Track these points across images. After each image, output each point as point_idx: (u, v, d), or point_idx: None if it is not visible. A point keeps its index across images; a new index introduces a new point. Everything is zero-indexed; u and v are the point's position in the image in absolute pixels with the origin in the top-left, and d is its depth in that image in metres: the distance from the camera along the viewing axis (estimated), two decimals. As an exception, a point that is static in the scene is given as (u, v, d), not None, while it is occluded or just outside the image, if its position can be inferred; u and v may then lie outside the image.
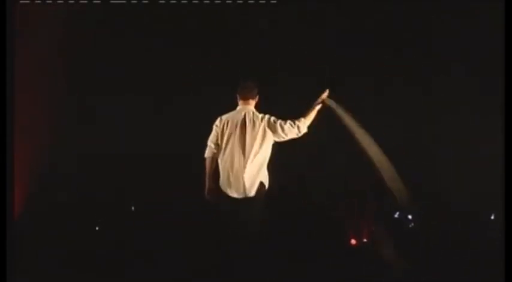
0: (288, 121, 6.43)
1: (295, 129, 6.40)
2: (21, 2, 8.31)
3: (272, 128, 6.34)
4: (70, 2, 8.52)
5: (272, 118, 6.39)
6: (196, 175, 6.63)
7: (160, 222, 8.65)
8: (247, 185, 6.25)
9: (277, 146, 6.46)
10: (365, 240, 9.05)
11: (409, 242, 8.60)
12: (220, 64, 8.79)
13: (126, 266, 7.73)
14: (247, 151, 6.26)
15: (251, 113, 6.39)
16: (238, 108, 6.45)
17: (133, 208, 9.05)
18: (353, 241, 9.03)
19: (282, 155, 6.50)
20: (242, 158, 6.25)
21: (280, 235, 8.03)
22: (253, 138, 6.28)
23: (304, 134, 6.56)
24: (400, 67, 8.93)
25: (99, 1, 8.56)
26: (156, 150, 8.76)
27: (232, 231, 6.20)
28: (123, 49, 8.79)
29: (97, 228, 8.79)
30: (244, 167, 6.24)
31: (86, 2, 8.56)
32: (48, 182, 8.57)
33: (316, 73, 8.66)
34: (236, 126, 6.32)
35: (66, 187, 8.66)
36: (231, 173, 6.27)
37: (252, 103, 6.46)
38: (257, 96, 6.49)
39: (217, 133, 6.37)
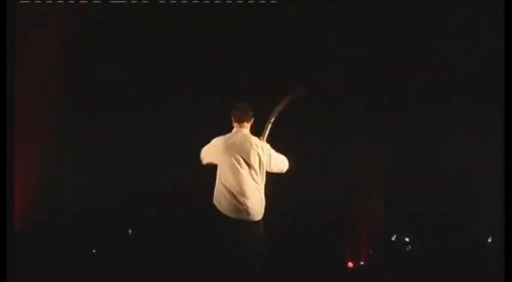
0: (280, 155, 6.24)
1: (283, 166, 6.25)
2: (21, 2, 8.31)
3: (268, 160, 6.15)
4: (70, 2, 8.52)
5: (270, 150, 6.18)
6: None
7: (161, 224, 8.66)
8: (256, 209, 6.05)
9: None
10: (362, 262, 9.07)
11: (407, 264, 8.64)
12: (220, 64, 8.79)
13: (126, 266, 7.74)
14: (252, 178, 6.04)
15: (249, 138, 6.13)
16: (234, 131, 6.17)
17: (135, 208, 9.05)
18: (350, 264, 9.05)
19: (279, 178, 6.40)
20: (249, 184, 6.02)
21: (278, 257, 8.03)
22: (257, 166, 6.05)
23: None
24: (399, 67, 8.95)
25: (99, 1, 8.56)
26: (157, 148, 8.77)
27: (231, 253, 6.06)
28: (123, 49, 8.79)
29: (97, 229, 8.79)
30: (253, 193, 6.03)
31: (86, 2, 8.56)
32: (48, 182, 8.57)
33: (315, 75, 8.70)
34: (235, 152, 6.04)
35: (66, 187, 8.65)
36: (237, 198, 6.00)
37: (247, 126, 6.18)
38: (252, 119, 6.20)
39: (213, 154, 6.11)
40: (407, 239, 9.10)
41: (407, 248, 9.08)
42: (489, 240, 8.92)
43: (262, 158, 6.10)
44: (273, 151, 6.21)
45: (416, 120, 9.11)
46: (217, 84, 8.70)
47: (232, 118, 6.21)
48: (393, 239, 9.16)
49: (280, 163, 6.23)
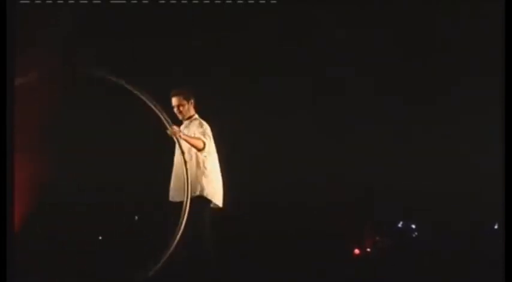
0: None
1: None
2: (21, 2, 8.31)
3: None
4: (70, 2, 8.53)
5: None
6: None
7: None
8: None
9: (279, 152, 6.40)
10: (368, 249, 9.08)
11: (412, 250, 8.64)
12: (219, 63, 8.81)
13: (126, 267, 7.73)
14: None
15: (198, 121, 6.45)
16: (197, 116, 6.50)
17: (134, 208, 9.05)
18: (356, 251, 9.06)
19: (287, 165, 6.46)
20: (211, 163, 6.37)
21: (283, 244, 8.02)
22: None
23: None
24: (399, 68, 8.97)
25: (99, 1, 8.56)
26: (157, 148, 8.76)
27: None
28: (123, 49, 8.80)
29: (96, 229, 8.80)
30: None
31: (86, 2, 8.56)
32: (48, 182, 8.57)
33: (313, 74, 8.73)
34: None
35: (66, 187, 8.66)
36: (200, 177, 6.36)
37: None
38: None
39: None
40: (413, 226, 9.15)
41: (414, 235, 9.13)
42: (490, 232, 8.96)
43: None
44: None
45: (421, 117, 9.14)
46: (217, 84, 8.71)
47: (194, 105, 6.49)
48: (399, 226, 9.20)
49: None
